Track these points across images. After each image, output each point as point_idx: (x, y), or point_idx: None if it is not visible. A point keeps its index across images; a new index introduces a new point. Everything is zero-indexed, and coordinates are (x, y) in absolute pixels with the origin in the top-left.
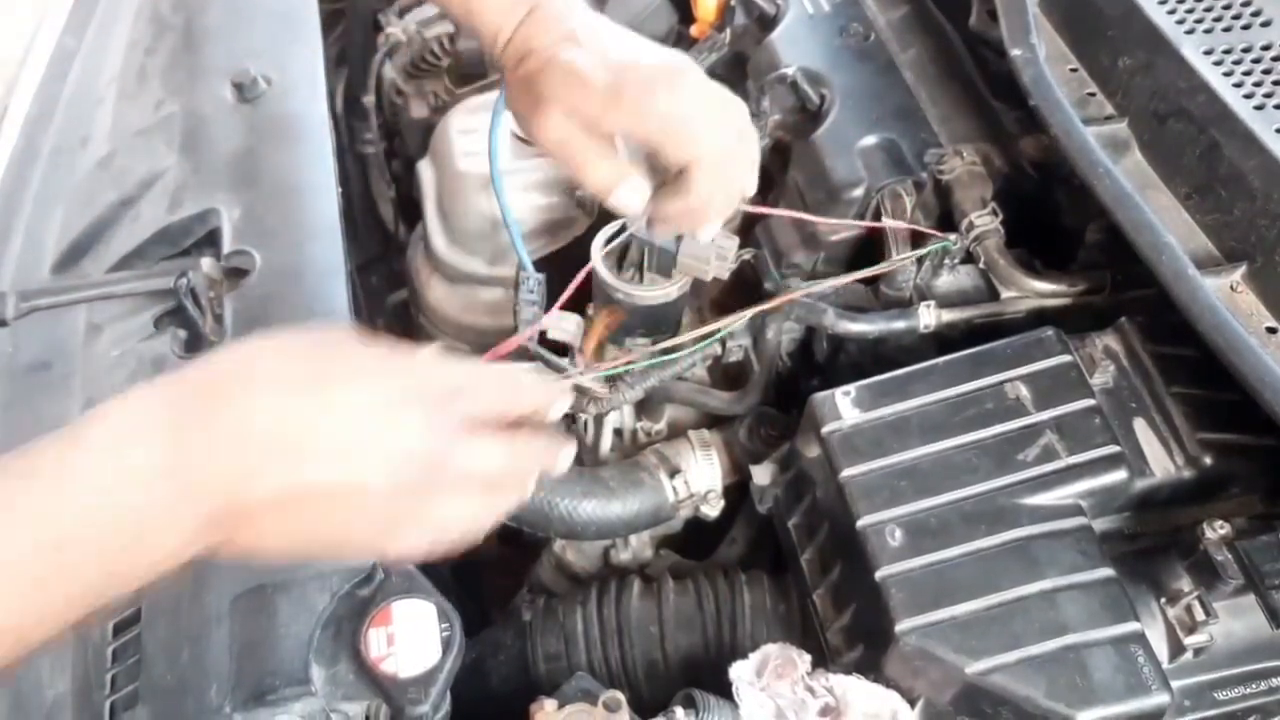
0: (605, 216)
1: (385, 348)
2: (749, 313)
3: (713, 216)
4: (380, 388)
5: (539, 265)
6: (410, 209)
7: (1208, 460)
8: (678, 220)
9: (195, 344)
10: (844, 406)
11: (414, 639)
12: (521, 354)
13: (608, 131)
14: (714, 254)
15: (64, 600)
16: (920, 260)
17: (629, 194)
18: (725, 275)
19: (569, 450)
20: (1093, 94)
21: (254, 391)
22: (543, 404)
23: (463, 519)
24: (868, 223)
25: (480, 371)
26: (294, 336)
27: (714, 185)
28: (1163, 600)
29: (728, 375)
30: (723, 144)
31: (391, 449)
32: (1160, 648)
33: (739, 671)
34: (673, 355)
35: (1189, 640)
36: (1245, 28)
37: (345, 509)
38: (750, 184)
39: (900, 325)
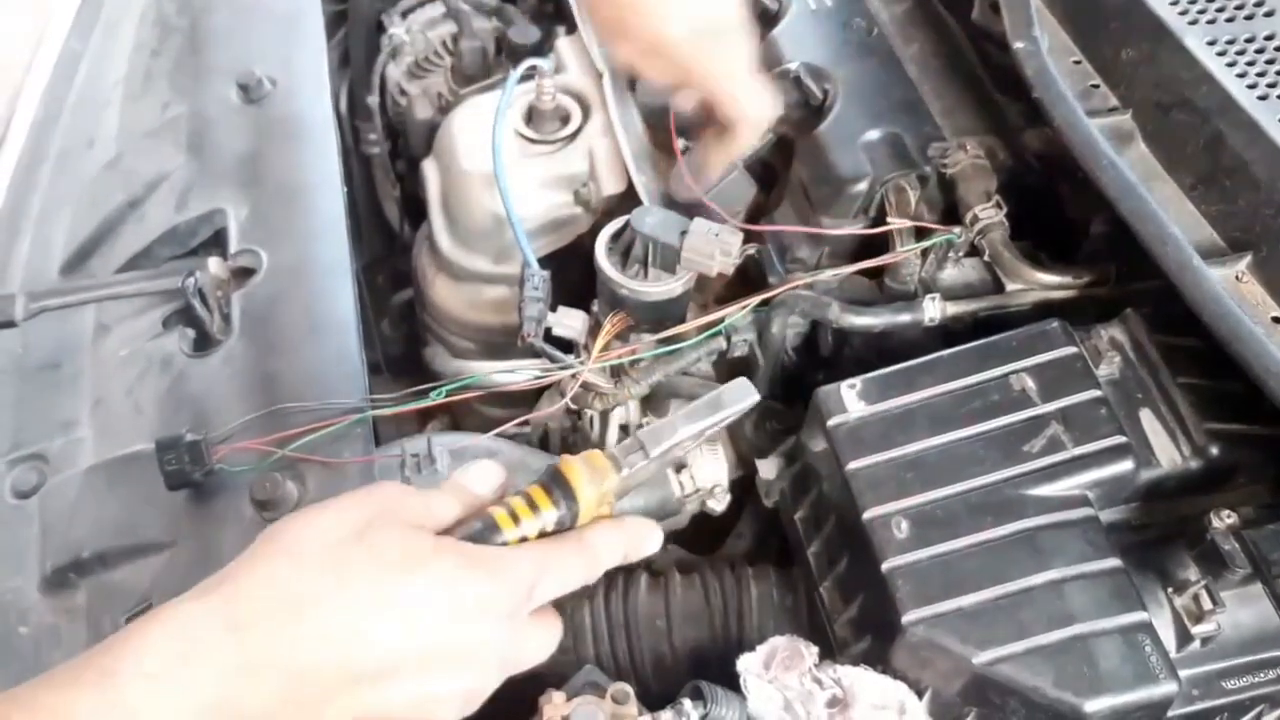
0: (608, 214)
1: (444, 544)
2: (752, 300)
3: None
4: (454, 602)
5: (543, 262)
6: (415, 208)
7: (1214, 450)
8: None
9: (203, 343)
10: (849, 400)
11: None
12: (528, 351)
13: None
14: (718, 249)
15: None
16: (925, 253)
17: None
18: (730, 270)
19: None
20: (1096, 86)
21: (315, 612)
22: (630, 555)
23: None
24: (872, 230)
25: (555, 556)
26: (340, 525)
27: None
28: (1170, 590)
29: (733, 370)
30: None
31: (469, 664)
32: (1168, 637)
33: (747, 664)
34: (677, 346)
35: (1196, 629)
36: (1248, 18)
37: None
38: None
39: (905, 318)
